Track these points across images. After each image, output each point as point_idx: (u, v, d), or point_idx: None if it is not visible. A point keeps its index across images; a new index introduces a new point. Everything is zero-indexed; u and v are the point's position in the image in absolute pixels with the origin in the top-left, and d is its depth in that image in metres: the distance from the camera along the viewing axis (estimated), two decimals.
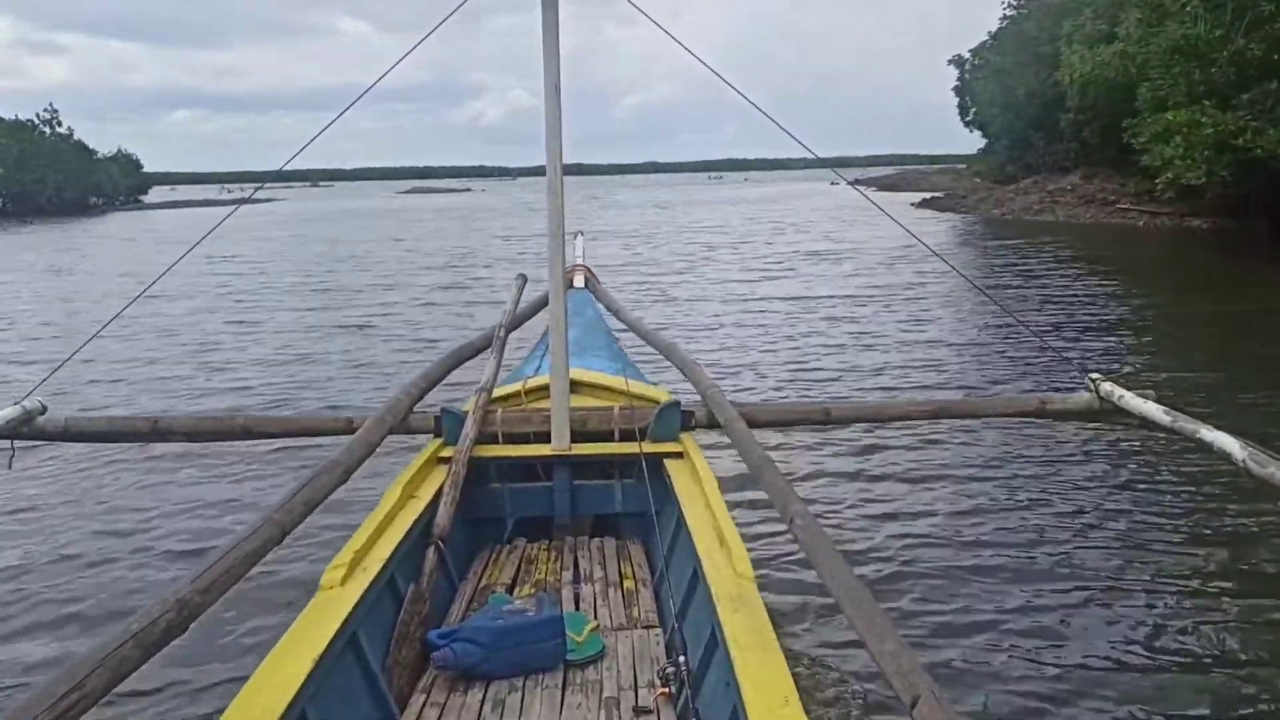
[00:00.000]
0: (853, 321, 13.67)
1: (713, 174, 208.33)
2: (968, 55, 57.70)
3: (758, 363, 11.00)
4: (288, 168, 4.48)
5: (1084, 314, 13.90)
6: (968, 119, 57.79)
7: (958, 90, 59.30)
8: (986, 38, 54.51)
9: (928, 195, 48.96)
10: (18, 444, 4.22)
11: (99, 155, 78.80)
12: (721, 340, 12.54)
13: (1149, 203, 30.06)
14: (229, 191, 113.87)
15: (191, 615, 2.22)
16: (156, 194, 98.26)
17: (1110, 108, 31.92)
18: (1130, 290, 16.36)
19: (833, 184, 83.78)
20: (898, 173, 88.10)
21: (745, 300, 16.11)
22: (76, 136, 75.76)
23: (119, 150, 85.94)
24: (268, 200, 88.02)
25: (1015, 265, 20.35)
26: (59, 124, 74.17)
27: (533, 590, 3.80)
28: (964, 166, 67.51)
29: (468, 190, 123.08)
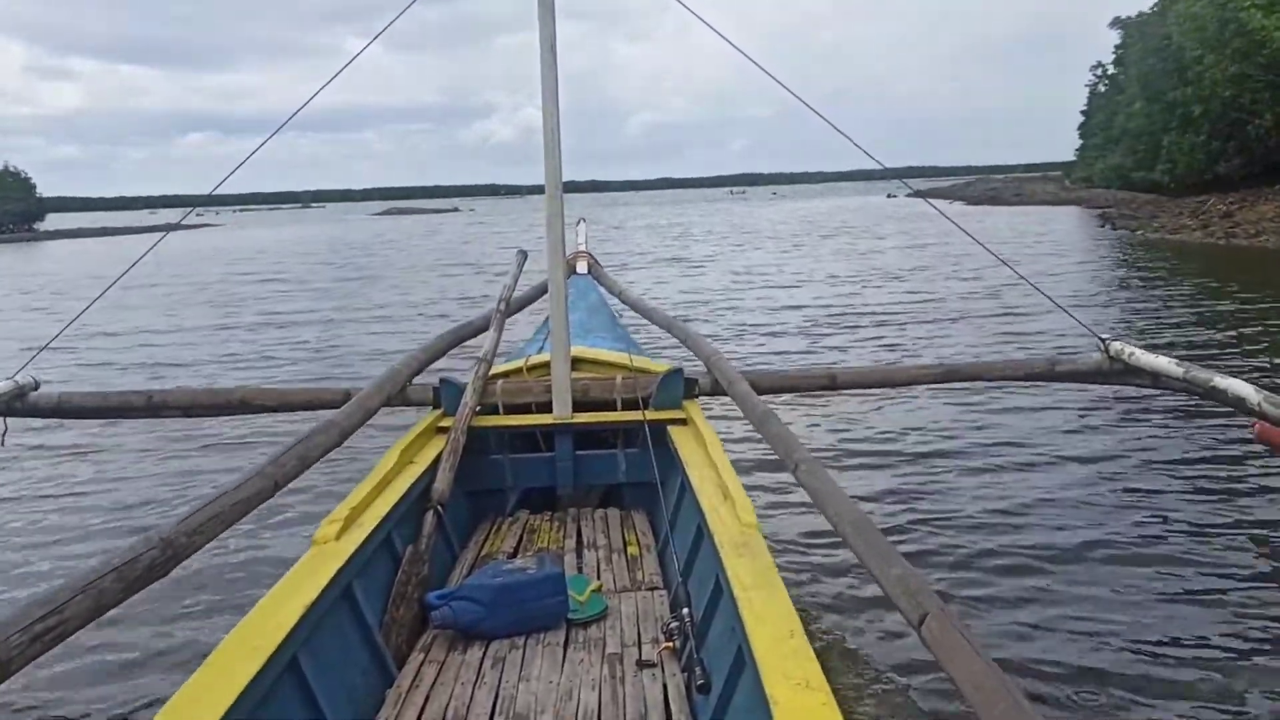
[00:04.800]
0: None
1: (734, 189, 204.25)
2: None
3: None
4: (217, 192, 4.37)
5: None
6: (1132, 99, 36.84)
7: (1117, 61, 43.33)
8: None
9: (1100, 209, 35.39)
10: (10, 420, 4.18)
11: None
12: None
13: None
14: (199, 215, 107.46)
15: (176, 556, 2.17)
16: (86, 220, 79.26)
17: None
18: None
19: (889, 196, 75.60)
20: (966, 184, 76.52)
21: None
22: None
23: (5, 167, 68.41)
24: (202, 226, 76.97)
25: None
26: None
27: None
28: (1059, 174, 54.65)
29: (455, 210, 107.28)
